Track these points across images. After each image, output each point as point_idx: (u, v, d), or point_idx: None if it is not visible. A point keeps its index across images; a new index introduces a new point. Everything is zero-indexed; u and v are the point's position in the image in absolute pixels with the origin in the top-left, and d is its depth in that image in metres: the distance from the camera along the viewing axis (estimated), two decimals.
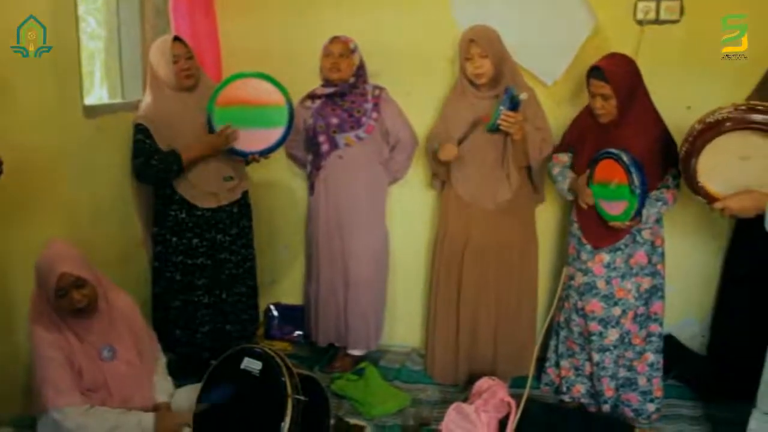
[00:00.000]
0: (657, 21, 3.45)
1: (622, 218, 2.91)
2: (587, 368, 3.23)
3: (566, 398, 3.34)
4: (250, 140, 3.23)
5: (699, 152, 2.57)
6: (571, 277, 3.19)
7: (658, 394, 3.19)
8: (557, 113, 3.47)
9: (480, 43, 3.19)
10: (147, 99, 3.25)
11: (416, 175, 3.80)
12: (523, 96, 3.11)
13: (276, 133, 3.24)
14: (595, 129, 3.05)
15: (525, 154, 3.25)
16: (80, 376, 2.45)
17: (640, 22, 3.46)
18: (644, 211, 2.91)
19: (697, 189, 2.66)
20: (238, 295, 3.48)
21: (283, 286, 4.17)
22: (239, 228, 3.45)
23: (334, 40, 3.47)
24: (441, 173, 3.48)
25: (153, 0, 3.55)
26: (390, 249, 3.76)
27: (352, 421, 3.14)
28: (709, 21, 3.37)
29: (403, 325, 4.00)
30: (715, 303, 3.64)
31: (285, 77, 3.27)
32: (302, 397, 2.54)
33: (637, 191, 2.80)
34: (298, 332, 4.04)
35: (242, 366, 2.62)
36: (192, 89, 3.25)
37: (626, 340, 3.11)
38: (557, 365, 3.37)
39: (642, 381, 3.16)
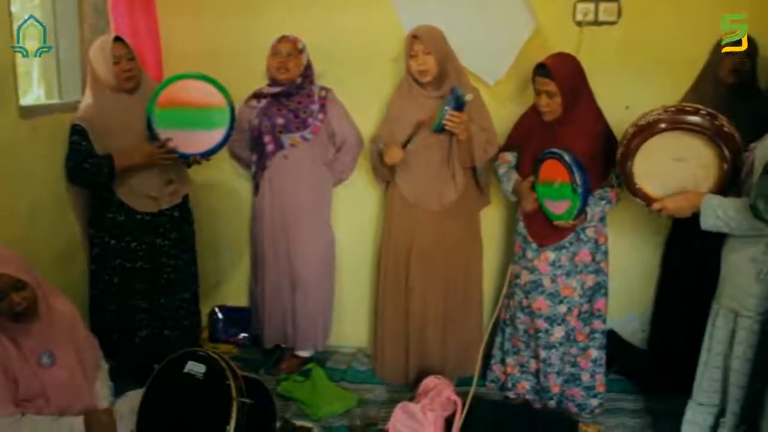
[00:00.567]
0: (596, 22, 3.51)
1: (566, 217, 2.95)
2: (532, 365, 3.27)
3: (511, 395, 3.38)
4: (192, 142, 3.17)
5: (634, 154, 2.64)
6: (517, 276, 3.23)
7: (601, 389, 3.25)
8: (500, 113, 3.49)
9: (423, 39, 3.20)
10: (86, 100, 3.17)
11: (362, 175, 3.80)
12: (468, 96, 3.14)
13: (217, 135, 3.20)
14: (539, 128, 3.10)
15: (470, 154, 3.26)
16: (15, 385, 2.38)
17: (579, 23, 3.53)
18: (589, 210, 2.96)
19: (635, 191, 2.72)
20: (179, 300, 3.41)
21: (228, 288, 4.12)
22: (180, 232, 3.39)
23: (283, 39, 3.44)
24: (386, 174, 3.48)
25: None
26: (336, 249, 3.75)
27: (299, 422, 3.13)
28: (645, 23, 3.48)
29: (349, 326, 3.99)
30: (654, 299, 3.73)
31: (228, 78, 3.23)
32: (247, 400, 2.52)
33: (579, 190, 2.85)
34: (243, 334, 4.00)
35: (186, 370, 2.59)
36: (133, 91, 3.18)
37: (571, 337, 3.16)
38: (503, 362, 3.41)
39: (585, 377, 3.22)
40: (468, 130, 3.16)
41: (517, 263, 3.24)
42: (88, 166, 3.06)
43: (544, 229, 3.08)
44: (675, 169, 2.60)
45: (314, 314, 3.63)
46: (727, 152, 2.48)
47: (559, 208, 2.97)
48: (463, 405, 3.04)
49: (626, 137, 2.64)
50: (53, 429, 2.39)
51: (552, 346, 3.15)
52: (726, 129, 2.47)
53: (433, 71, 3.23)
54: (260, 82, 3.55)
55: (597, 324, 3.19)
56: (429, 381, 3.21)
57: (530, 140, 3.14)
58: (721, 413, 2.51)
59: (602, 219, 3.11)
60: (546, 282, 3.11)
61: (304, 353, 3.71)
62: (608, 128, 3.06)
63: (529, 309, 3.17)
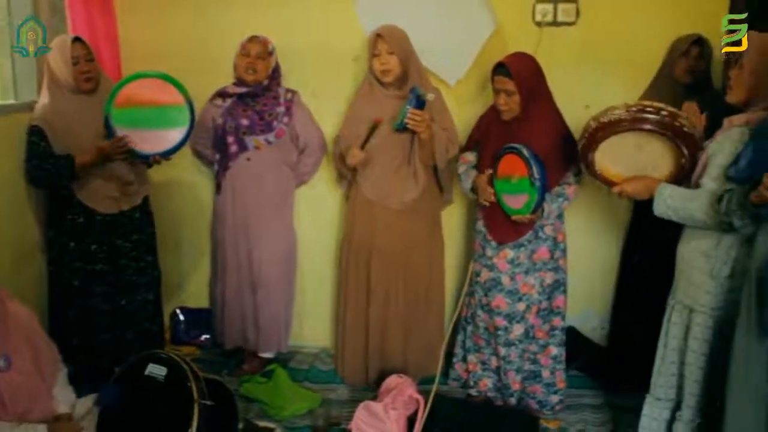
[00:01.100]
0: (554, 23, 3.56)
1: (524, 211, 2.99)
2: (493, 362, 3.30)
3: (473, 392, 3.40)
4: (151, 142, 3.13)
5: (595, 148, 2.67)
6: (477, 274, 3.26)
7: (561, 385, 3.29)
8: (462, 113, 3.53)
9: (387, 39, 3.22)
10: (44, 100, 3.12)
11: (324, 175, 3.80)
12: (429, 96, 3.16)
13: (177, 134, 3.16)
14: (498, 127, 3.13)
15: (432, 153, 3.28)
16: None
17: (538, 24, 3.57)
18: (546, 207, 3.00)
19: (596, 176, 2.76)
20: (141, 302, 3.37)
21: (190, 289, 4.09)
22: (141, 233, 3.35)
23: (253, 39, 3.42)
24: (347, 174, 3.48)
25: None
26: (298, 250, 3.74)
27: (262, 423, 3.13)
28: (603, 23, 3.53)
29: (311, 326, 3.99)
30: (614, 295, 3.78)
31: (188, 77, 3.20)
32: (209, 402, 2.52)
33: (537, 183, 2.89)
34: (205, 336, 3.98)
35: (146, 372, 2.57)
36: (92, 92, 3.14)
37: (530, 334, 3.19)
38: (464, 360, 3.43)
39: (546, 374, 3.25)
40: (429, 129, 3.17)
41: (477, 261, 3.27)
42: (48, 167, 3.02)
43: (503, 227, 3.11)
44: (636, 156, 2.64)
45: (276, 315, 3.62)
46: (685, 151, 2.52)
47: (517, 202, 3.00)
48: (426, 403, 3.06)
49: (588, 130, 2.67)
50: None
51: (511, 343, 3.18)
52: (686, 129, 2.51)
53: (396, 71, 3.24)
54: (222, 82, 3.53)
55: (556, 321, 3.22)
56: (391, 380, 3.22)
57: (489, 139, 3.17)
58: (677, 407, 2.55)
59: (560, 216, 3.15)
60: (505, 280, 3.13)
61: (267, 354, 3.69)
62: (566, 127, 3.11)
63: (489, 307, 3.19)
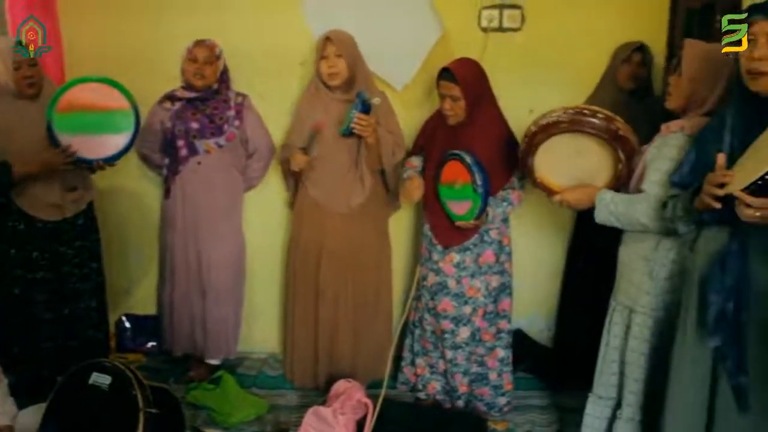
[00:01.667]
0: (500, 29, 3.60)
1: (467, 217, 3.01)
2: (441, 366, 3.31)
3: (422, 396, 3.41)
4: (95, 147, 3.08)
5: (535, 150, 2.71)
6: (424, 278, 3.27)
7: (509, 387, 3.32)
8: (408, 118, 3.54)
9: (336, 42, 3.23)
10: None
11: (273, 179, 3.78)
12: (376, 100, 3.17)
13: (122, 139, 3.11)
14: (444, 132, 3.15)
15: (378, 158, 3.29)
16: None
17: (484, 30, 3.60)
18: (490, 211, 3.03)
19: (536, 183, 2.79)
20: (85, 309, 3.31)
21: (137, 296, 4.03)
22: (84, 240, 3.29)
23: (200, 44, 3.38)
24: (295, 178, 3.48)
25: None
26: (247, 254, 3.72)
27: (209, 431, 3.10)
28: (548, 30, 3.59)
29: (260, 331, 3.96)
30: (559, 297, 3.83)
31: (134, 81, 3.17)
32: (154, 410, 2.49)
33: (480, 190, 2.92)
34: (152, 343, 3.93)
35: (90, 381, 2.54)
36: (34, 97, 3.07)
37: (477, 337, 3.21)
38: (413, 364, 3.44)
39: (493, 376, 3.28)
40: (375, 133, 3.19)
41: (423, 265, 3.29)
42: None
43: (449, 231, 3.13)
44: (574, 163, 2.68)
45: (224, 321, 3.58)
46: (621, 154, 2.58)
47: (460, 208, 3.03)
48: (374, 407, 3.06)
49: (528, 134, 2.71)
50: None
51: (458, 346, 3.20)
52: (621, 132, 2.56)
53: (344, 74, 3.25)
54: (169, 85, 3.49)
55: (503, 324, 3.25)
56: (340, 384, 3.22)
57: (435, 144, 3.19)
58: (618, 405, 2.59)
59: (505, 220, 3.18)
60: (451, 283, 3.15)
61: (215, 361, 3.65)
62: (510, 132, 3.15)
63: (435, 310, 3.21)
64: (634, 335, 2.48)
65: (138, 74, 3.39)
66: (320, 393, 3.45)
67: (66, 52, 3.72)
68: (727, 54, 2.08)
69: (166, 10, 3.65)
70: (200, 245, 3.49)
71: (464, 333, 3.18)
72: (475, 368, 3.26)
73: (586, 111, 2.60)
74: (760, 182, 1.68)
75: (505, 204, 3.09)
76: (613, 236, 2.58)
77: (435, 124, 3.24)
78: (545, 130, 2.65)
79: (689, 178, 2.15)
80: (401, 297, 3.74)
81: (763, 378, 1.90)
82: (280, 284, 3.87)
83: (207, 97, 3.42)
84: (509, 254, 3.23)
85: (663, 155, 2.36)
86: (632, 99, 3.41)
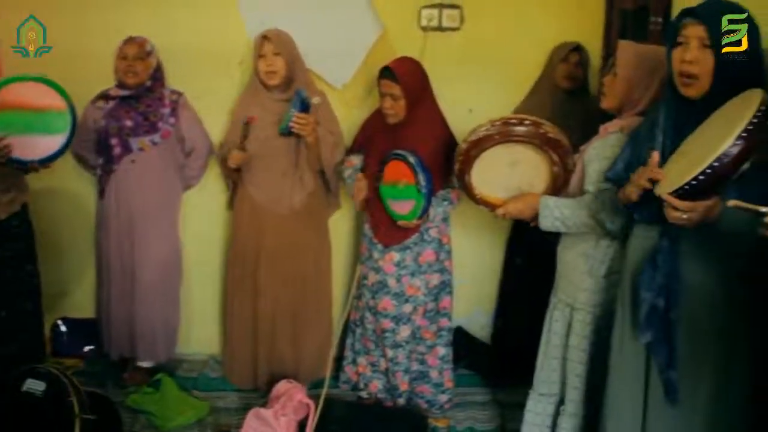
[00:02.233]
0: (439, 28, 3.61)
1: (410, 217, 3.03)
2: (382, 364, 3.32)
3: (364, 395, 3.41)
4: (30, 148, 2.99)
5: (470, 168, 2.73)
6: (365, 277, 3.28)
7: (449, 384, 3.34)
8: (348, 117, 3.54)
9: (273, 40, 3.21)
10: None
11: (212, 179, 3.73)
12: (315, 100, 3.16)
13: (58, 140, 3.03)
14: (384, 130, 3.15)
15: (318, 157, 3.28)
16: None
17: (424, 29, 3.61)
18: (431, 211, 3.05)
19: (477, 200, 2.81)
20: (19, 313, 3.22)
21: (74, 299, 3.93)
22: (18, 242, 3.20)
23: (129, 41, 3.33)
24: (234, 177, 3.45)
25: None
26: (183, 255, 3.66)
27: None
28: (487, 29, 3.62)
29: (199, 333, 3.90)
30: (498, 294, 3.87)
31: (69, 80, 3.08)
32: (91, 416, 2.45)
33: (424, 191, 2.93)
34: (89, 347, 3.84)
35: (24, 388, 2.48)
36: None
37: (417, 335, 3.23)
38: (354, 363, 3.44)
39: (434, 374, 3.30)
40: (315, 132, 3.17)
41: (364, 264, 3.29)
42: None
43: (389, 230, 3.14)
44: (510, 173, 2.70)
45: (158, 324, 3.52)
46: (555, 156, 2.61)
47: (403, 208, 3.04)
48: (316, 407, 3.06)
49: (461, 153, 2.72)
50: None
51: (399, 345, 3.21)
52: (551, 135, 2.59)
53: (282, 73, 3.23)
54: (104, 84, 3.42)
55: (443, 322, 3.28)
56: (281, 385, 3.21)
57: (375, 143, 3.20)
58: (561, 401, 2.63)
59: (445, 219, 3.20)
60: (391, 282, 3.16)
61: (146, 364, 3.58)
62: (450, 131, 3.17)
63: (376, 309, 3.22)
64: (575, 332, 2.52)
65: (73, 73, 3.31)
66: (261, 394, 3.43)
67: None
68: (660, 55, 2.12)
69: (102, 7, 3.57)
70: (135, 246, 3.43)
71: (405, 331, 3.19)
72: (416, 366, 3.28)
73: (513, 120, 2.63)
74: (687, 187, 1.72)
75: (445, 203, 3.12)
76: (549, 234, 2.61)
77: (375, 123, 3.24)
78: (477, 145, 2.67)
79: (623, 174, 2.19)
80: (342, 296, 3.73)
81: (692, 372, 1.96)
82: (220, 286, 3.83)
83: (140, 95, 3.37)
84: (449, 253, 3.25)
85: (602, 156, 2.40)
86: (569, 98, 3.46)
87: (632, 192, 2.00)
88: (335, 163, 3.34)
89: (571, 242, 2.55)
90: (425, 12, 3.61)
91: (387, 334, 3.21)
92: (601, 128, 2.47)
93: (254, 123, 3.23)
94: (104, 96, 3.41)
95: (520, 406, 2.76)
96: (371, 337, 3.31)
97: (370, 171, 3.17)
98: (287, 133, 3.15)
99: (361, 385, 3.41)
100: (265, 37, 3.23)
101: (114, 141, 3.36)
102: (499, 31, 3.62)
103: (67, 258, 3.88)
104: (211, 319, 3.90)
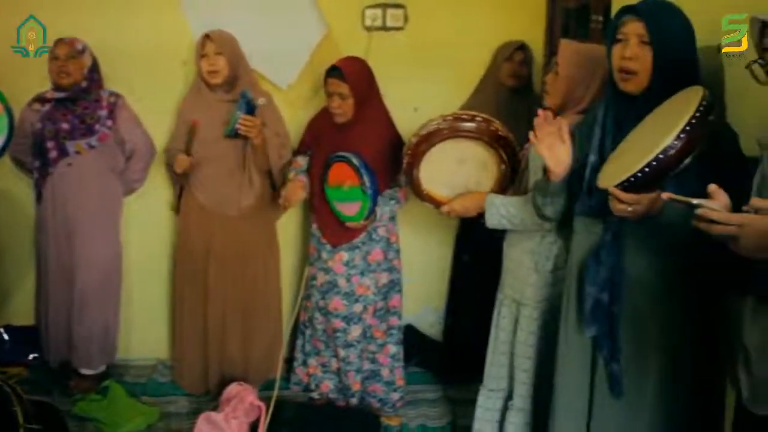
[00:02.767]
0: (384, 27, 3.63)
1: (357, 218, 3.04)
2: (334, 364, 3.32)
3: (315, 395, 3.41)
4: None
5: (418, 163, 2.75)
6: (313, 277, 3.28)
7: (401, 383, 3.35)
8: (293, 117, 3.53)
9: (216, 40, 3.19)
10: None
11: (156, 182, 3.68)
12: (261, 101, 3.15)
13: None
14: (329, 130, 3.15)
15: (265, 158, 3.27)
16: None
17: (368, 29, 3.62)
18: (378, 210, 3.06)
19: (423, 197, 2.83)
20: None
21: (16, 306, 3.84)
22: None
23: (59, 42, 3.27)
24: (181, 180, 3.41)
25: None
26: (128, 260, 3.60)
27: None
28: (431, 28, 3.64)
29: (147, 338, 3.84)
30: (448, 292, 3.89)
31: (4, 82, 3.03)
32: (35, 426, 2.39)
33: (369, 192, 2.94)
34: (33, 354, 3.75)
35: None
36: None
37: (368, 334, 3.24)
38: (305, 364, 3.43)
39: (385, 372, 3.31)
40: (261, 134, 3.15)
41: (312, 265, 3.29)
42: None
43: (337, 230, 3.14)
44: (458, 171, 2.73)
45: (99, 331, 3.45)
46: (503, 154, 2.65)
47: (349, 209, 3.04)
48: (267, 409, 3.04)
49: (410, 147, 2.74)
50: None
51: (350, 344, 3.21)
52: (500, 133, 2.63)
53: (224, 72, 3.22)
54: (43, 86, 3.35)
55: (393, 320, 3.29)
56: (232, 388, 3.17)
57: (321, 143, 3.19)
58: (510, 396, 2.66)
59: (392, 218, 3.22)
60: (341, 282, 3.17)
61: (88, 371, 3.49)
62: (396, 131, 3.19)
63: (326, 309, 3.22)
64: (521, 327, 2.55)
65: (9, 74, 3.24)
66: (212, 397, 3.40)
67: None
68: (601, 54, 2.16)
69: (39, 7, 3.47)
70: (73, 252, 3.36)
71: (355, 331, 3.20)
72: (367, 365, 3.29)
73: (464, 116, 2.67)
74: (632, 179, 1.75)
75: (392, 202, 3.14)
76: (495, 230, 2.64)
77: (320, 123, 3.24)
78: (427, 139, 2.69)
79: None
80: (291, 297, 3.72)
81: (638, 366, 1.99)
82: (166, 289, 3.78)
83: (77, 97, 3.30)
84: (398, 251, 3.27)
85: None
86: (514, 96, 3.50)
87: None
88: (282, 164, 3.32)
89: (517, 239, 2.57)
90: (369, 12, 3.61)
91: (338, 334, 3.21)
92: None
93: (198, 125, 3.20)
94: (40, 98, 3.35)
95: (471, 402, 2.78)
96: (321, 337, 3.30)
97: (316, 172, 3.17)
98: (233, 135, 3.13)
99: (313, 386, 3.41)
100: (207, 37, 3.21)
101: (50, 144, 3.29)
102: (444, 31, 3.64)
103: (7, 263, 3.79)
104: (160, 323, 3.84)
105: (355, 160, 2.95)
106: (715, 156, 1.79)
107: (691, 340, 1.98)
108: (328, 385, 3.36)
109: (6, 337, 3.78)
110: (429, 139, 2.69)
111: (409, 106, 3.45)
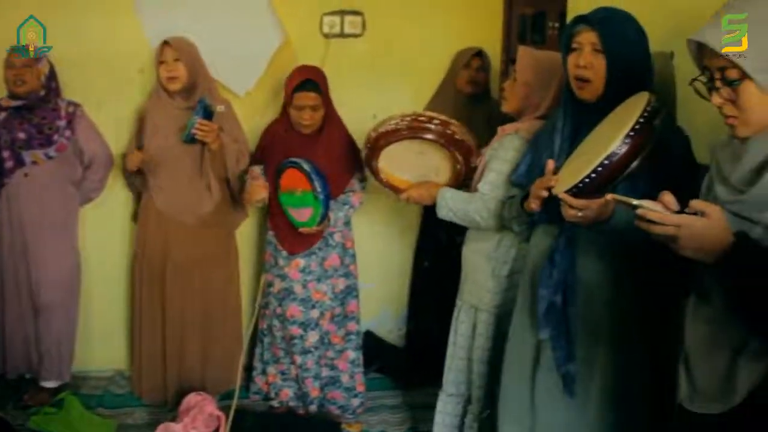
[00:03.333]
0: (342, 35, 3.64)
1: (310, 224, 3.04)
2: (293, 372, 3.30)
3: (275, 404, 3.38)
4: None
5: (378, 156, 2.78)
6: (270, 284, 3.27)
7: (361, 389, 3.35)
8: (252, 125, 3.50)
9: (174, 46, 3.18)
10: None
11: (113, 191, 3.63)
12: (220, 108, 3.13)
13: None
14: (285, 138, 3.17)
15: (224, 165, 3.25)
16: None
17: (326, 35, 3.63)
18: (332, 216, 3.07)
19: (382, 183, 2.87)
20: None
21: None
22: None
23: (15, 49, 3.21)
24: (138, 186, 3.39)
25: None
26: (83, 270, 3.54)
27: None
28: (389, 36, 3.66)
29: (103, 348, 3.78)
30: (408, 297, 3.90)
31: None
32: None
33: (320, 197, 2.95)
34: None
35: None
36: None
37: (326, 340, 3.24)
38: (264, 372, 3.41)
39: (345, 378, 3.30)
40: (219, 139, 3.13)
41: (269, 272, 3.28)
42: None
43: (293, 237, 3.14)
44: (418, 160, 2.76)
45: (58, 342, 3.39)
46: (459, 156, 2.67)
47: (302, 215, 3.05)
48: (227, 419, 3.02)
49: (369, 141, 2.77)
50: None
51: (307, 351, 3.20)
52: (457, 136, 2.65)
53: (183, 79, 3.20)
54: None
55: (351, 326, 3.30)
56: (191, 398, 3.14)
57: (274, 152, 3.19)
58: (468, 401, 2.67)
59: (347, 223, 3.23)
60: (297, 288, 3.16)
61: (49, 384, 3.44)
62: (349, 135, 3.22)
63: (284, 316, 3.21)
64: (479, 333, 2.57)
65: None
66: (170, 408, 3.36)
67: None
68: (558, 61, 2.18)
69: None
70: (30, 262, 3.31)
71: (313, 337, 3.19)
72: (326, 372, 3.28)
73: (422, 117, 2.69)
74: (580, 185, 1.78)
75: (346, 207, 3.15)
76: (456, 236, 2.66)
77: (275, 132, 3.24)
78: (386, 136, 2.72)
79: (525, 178, 2.25)
80: (249, 306, 3.70)
81: (585, 367, 2.01)
82: (123, 299, 3.73)
83: (34, 106, 3.25)
84: (353, 256, 3.28)
85: (499, 157, 2.46)
86: (471, 102, 3.53)
87: (533, 202, 2.05)
88: (240, 171, 3.31)
89: (475, 244, 2.60)
90: (327, 19, 3.62)
91: (295, 341, 3.20)
92: (499, 130, 2.54)
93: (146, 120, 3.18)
94: None
95: (432, 408, 2.79)
96: (280, 344, 3.29)
97: (271, 179, 3.15)
98: (190, 140, 3.10)
99: (272, 395, 3.39)
100: (166, 43, 3.20)
101: (6, 154, 3.23)
102: (401, 37, 3.66)
103: None
104: (117, 334, 3.79)
105: (305, 166, 2.95)
106: (667, 159, 1.82)
107: (641, 341, 2.00)
108: (288, 393, 3.34)
109: None
110: (386, 137, 2.72)
111: (368, 112, 3.44)
